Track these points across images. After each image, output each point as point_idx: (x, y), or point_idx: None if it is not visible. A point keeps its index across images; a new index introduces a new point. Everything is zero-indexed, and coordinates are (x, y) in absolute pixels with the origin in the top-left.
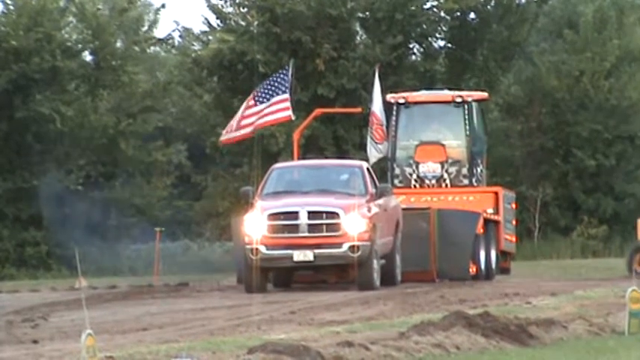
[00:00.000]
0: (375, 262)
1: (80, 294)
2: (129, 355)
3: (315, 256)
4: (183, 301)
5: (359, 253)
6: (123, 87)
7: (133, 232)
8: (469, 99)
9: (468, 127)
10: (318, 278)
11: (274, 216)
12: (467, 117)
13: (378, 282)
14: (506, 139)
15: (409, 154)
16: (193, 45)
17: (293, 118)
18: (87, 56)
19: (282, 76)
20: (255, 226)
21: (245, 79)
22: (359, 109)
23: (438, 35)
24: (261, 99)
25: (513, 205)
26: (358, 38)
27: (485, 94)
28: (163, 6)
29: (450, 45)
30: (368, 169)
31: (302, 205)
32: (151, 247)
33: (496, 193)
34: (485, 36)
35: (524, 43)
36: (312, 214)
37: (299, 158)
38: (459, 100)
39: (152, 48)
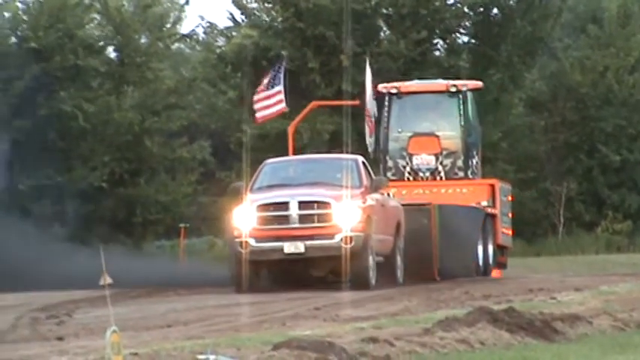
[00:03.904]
0: (370, 256)
1: (105, 291)
2: (154, 351)
3: (306, 248)
4: (207, 297)
5: (352, 244)
6: (147, 84)
7: (157, 229)
8: (463, 88)
9: (462, 118)
10: (309, 276)
11: (264, 207)
12: (462, 107)
13: (373, 280)
14: (531, 134)
15: (402, 145)
16: (217, 41)
17: (287, 109)
18: (111, 53)
19: (277, 67)
20: (244, 219)
21: None
22: (356, 102)
23: (461, 31)
24: (267, 85)
25: (510, 198)
26: (382, 34)
27: (479, 83)
28: (187, 2)
29: (473, 40)
30: (363, 162)
31: (292, 195)
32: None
33: (492, 186)
34: (508, 31)
35: (548, 38)
36: (302, 205)
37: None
38: (453, 89)
39: (176, 44)
